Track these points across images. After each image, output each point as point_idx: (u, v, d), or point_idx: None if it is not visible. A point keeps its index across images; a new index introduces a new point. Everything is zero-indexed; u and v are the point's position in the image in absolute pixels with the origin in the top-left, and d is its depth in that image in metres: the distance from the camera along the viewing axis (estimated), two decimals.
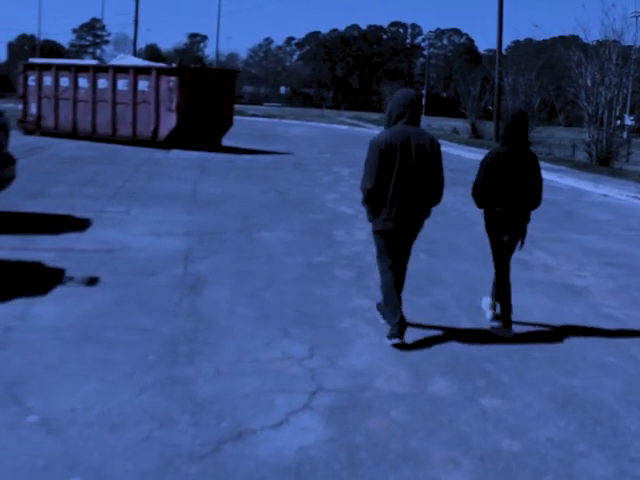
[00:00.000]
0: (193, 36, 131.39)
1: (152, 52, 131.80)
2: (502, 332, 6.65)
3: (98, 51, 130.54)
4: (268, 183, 16.55)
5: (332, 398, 4.97)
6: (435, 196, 6.38)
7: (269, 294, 7.46)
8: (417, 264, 9.12)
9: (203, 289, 7.48)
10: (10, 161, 10.69)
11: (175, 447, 4.15)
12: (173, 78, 22.87)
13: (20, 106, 26.55)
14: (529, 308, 7.54)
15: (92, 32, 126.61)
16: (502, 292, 6.82)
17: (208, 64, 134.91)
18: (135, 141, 23.79)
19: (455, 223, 12.64)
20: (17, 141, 23.66)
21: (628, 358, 6.22)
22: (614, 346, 6.51)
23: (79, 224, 10.48)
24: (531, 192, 6.77)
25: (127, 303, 6.83)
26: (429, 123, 63.33)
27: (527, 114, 7.03)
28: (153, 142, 23.35)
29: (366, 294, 7.68)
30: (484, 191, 6.72)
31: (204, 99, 23.53)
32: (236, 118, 44.16)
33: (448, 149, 31.05)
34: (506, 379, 5.55)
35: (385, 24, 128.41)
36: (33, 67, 26.36)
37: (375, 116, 64.98)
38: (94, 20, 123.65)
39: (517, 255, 7.14)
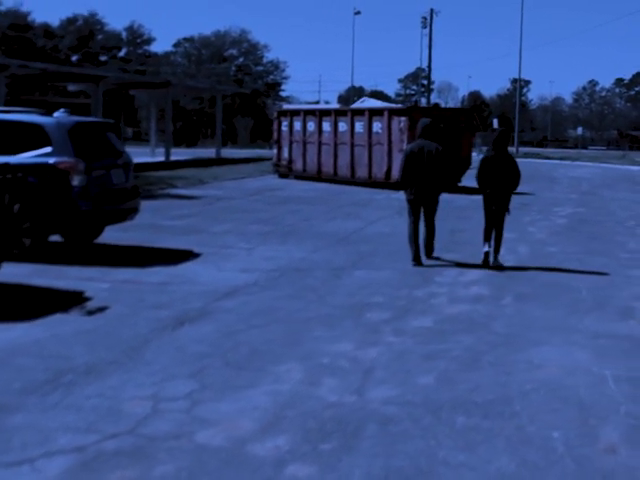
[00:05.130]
0: (516, 81, 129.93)
1: (475, 99, 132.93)
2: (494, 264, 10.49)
3: (423, 100, 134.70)
4: (456, 223, 15.64)
5: (115, 444, 4.46)
6: (442, 181, 10.74)
7: (253, 332, 6.98)
8: (501, 311, 8.08)
9: (191, 324, 7.21)
10: (133, 195, 11.30)
11: None
12: (403, 119, 22.73)
13: (274, 151, 28.10)
14: (544, 364, 6.21)
15: (417, 81, 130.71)
16: (488, 238, 10.70)
17: (533, 108, 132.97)
18: (371, 183, 23.96)
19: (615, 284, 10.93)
20: (260, 183, 25.19)
21: (580, 436, 4.83)
22: (580, 423, 5.10)
23: (182, 258, 10.72)
24: (510, 180, 10.58)
25: (91, 334, 6.79)
26: None
27: (508, 130, 11.13)
28: (386, 184, 23.32)
29: (362, 337, 6.88)
30: (481, 179, 10.60)
31: (437, 140, 22.97)
32: (529, 161, 43.20)
33: None
34: (366, 446, 4.57)
35: None
36: (285, 113, 27.81)
37: None
38: (419, 69, 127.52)
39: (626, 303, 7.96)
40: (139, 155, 41.12)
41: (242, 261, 10.62)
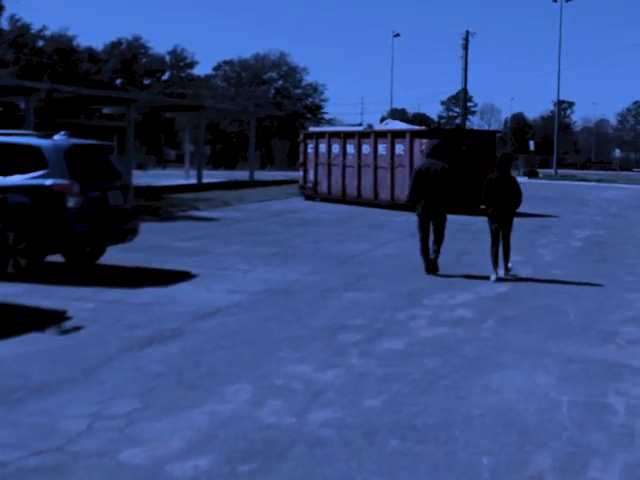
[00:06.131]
0: (560, 103, 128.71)
1: (518, 121, 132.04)
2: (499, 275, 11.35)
3: (467, 122, 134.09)
4: (467, 245, 15.56)
5: (37, 460, 4.54)
6: (447, 198, 11.59)
7: (218, 353, 7.03)
8: (481, 336, 8.02)
9: (159, 344, 7.29)
10: (132, 216, 11.46)
11: None
12: (425, 141, 22.63)
13: (301, 173, 28.24)
14: (502, 388, 6.14)
15: (459, 103, 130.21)
16: (495, 258, 11.45)
17: (577, 131, 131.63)
18: (393, 205, 23.92)
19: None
20: (283, 205, 25.31)
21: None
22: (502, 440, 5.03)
23: (176, 279, 10.83)
24: (513, 199, 11.43)
25: (57, 352, 6.90)
26: None
27: (511, 155, 12.33)
28: (408, 206, 23.20)
29: (326, 359, 6.87)
30: (486, 198, 11.44)
31: (459, 161, 22.91)
32: (565, 183, 42.63)
33: None
34: (286, 468, 4.57)
35: None
36: (311, 136, 27.94)
37: None
38: (461, 91, 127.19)
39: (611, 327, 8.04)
40: (173, 177, 41.72)
41: (235, 282, 10.69)
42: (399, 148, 23.67)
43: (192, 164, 42.07)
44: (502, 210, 11.42)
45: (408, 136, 23.39)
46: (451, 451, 4.89)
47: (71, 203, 10.24)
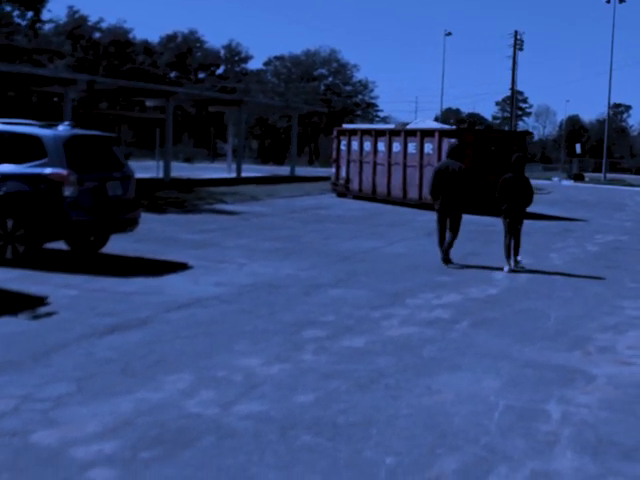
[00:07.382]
0: (616, 106, 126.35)
1: (574, 123, 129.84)
2: (512, 267, 12.29)
3: (520, 123, 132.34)
4: (478, 246, 15.48)
5: None
6: (463, 195, 12.50)
7: (175, 343, 7.17)
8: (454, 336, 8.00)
9: (120, 332, 7.45)
10: (133, 206, 11.69)
11: None
12: (453, 140, 22.50)
13: (333, 170, 28.30)
14: (443, 390, 6.15)
15: (514, 104, 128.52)
16: (508, 250, 12.35)
17: (634, 135, 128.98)
18: (421, 204, 23.82)
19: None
20: (312, 201, 25.42)
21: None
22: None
23: (170, 270, 11.02)
24: (525, 197, 12.35)
25: (19, 336, 7.13)
26: None
27: (523, 156, 12.77)
28: None
29: (278, 353, 6.95)
30: (501, 196, 12.34)
31: (488, 161, 22.79)
32: (609, 187, 41.97)
33: None
34: (186, 457, 4.67)
35: None
36: (344, 133, 27.97)
37: None
38: (516, 92, 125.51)
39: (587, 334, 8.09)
40: (217, 171, 42.21)
41: (226, 275, 10.82)
42: (428, 147, 23.58)
43: (236, 158, 42.48)
44: (515, 207, 12.34)
45: (437, 135, 23.28)
46: (358, 449, 4.92)
47: (68, 192, 10.49)
